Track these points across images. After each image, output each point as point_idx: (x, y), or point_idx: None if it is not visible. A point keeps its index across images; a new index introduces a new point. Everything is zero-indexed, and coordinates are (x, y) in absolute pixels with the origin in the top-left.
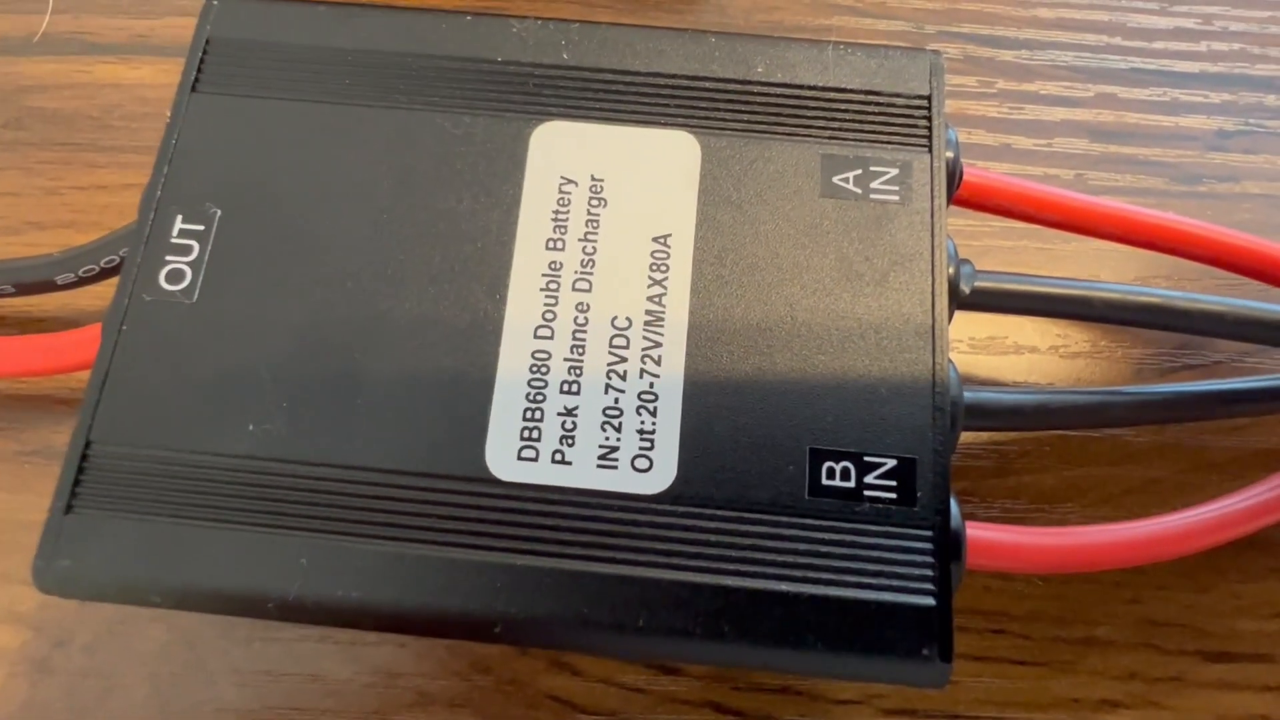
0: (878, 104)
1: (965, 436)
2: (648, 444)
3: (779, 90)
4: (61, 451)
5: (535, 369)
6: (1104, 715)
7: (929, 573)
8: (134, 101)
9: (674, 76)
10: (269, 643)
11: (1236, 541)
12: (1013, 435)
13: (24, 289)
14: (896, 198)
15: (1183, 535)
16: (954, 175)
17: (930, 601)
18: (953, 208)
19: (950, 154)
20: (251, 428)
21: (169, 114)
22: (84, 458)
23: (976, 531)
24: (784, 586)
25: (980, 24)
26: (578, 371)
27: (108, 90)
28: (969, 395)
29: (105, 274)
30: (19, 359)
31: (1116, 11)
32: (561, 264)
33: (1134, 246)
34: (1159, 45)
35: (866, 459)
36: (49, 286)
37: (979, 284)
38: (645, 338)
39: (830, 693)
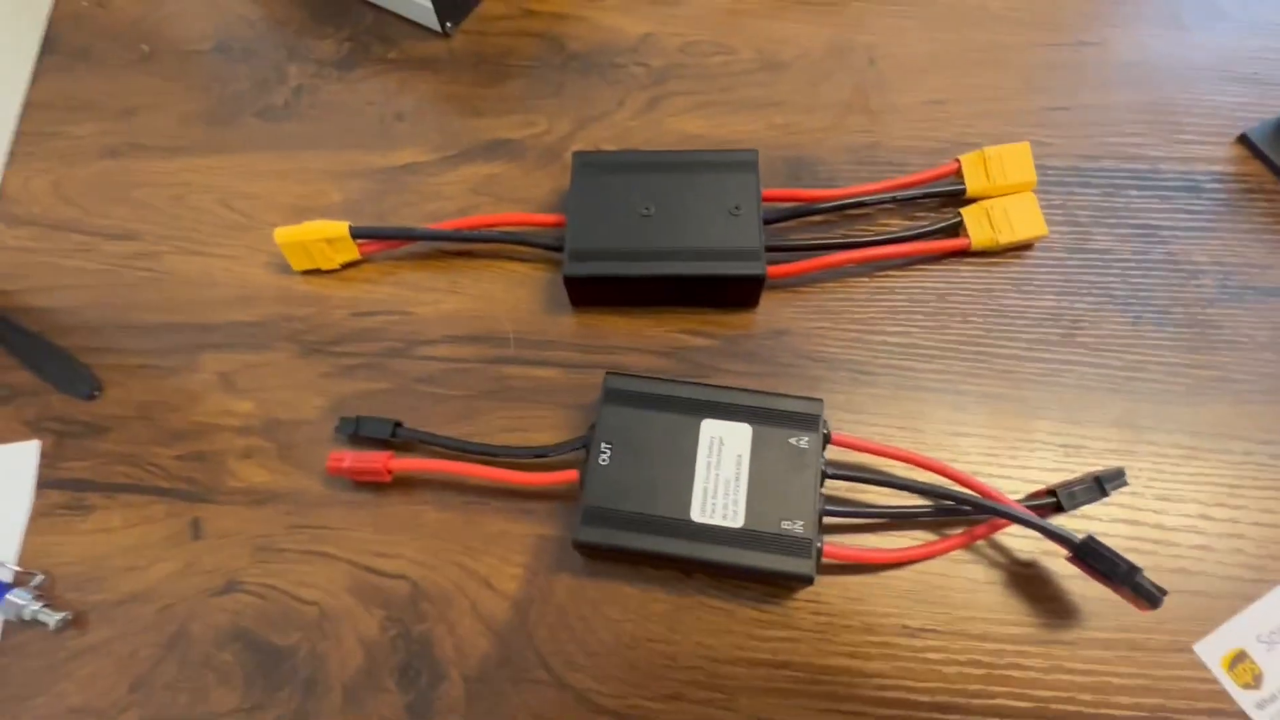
0: (804, 418)
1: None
2: (734, 513)
3: (777, 415)
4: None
5: (704, 490)
6: None
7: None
8: None
9: (740, 406)
10: None
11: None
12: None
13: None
14: (806, 446)
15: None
16: (828, 438)
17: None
18: (833, 446)
19: (826, 432)
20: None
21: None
22: (587, 509)
23: (830, 546)
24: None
25: None
26: (715, 496)
27: None
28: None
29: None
30: (528, 477)
31: None
32: (711, 461)
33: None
34: None
35: (793, 522)
36: None
37: (832, 473)
38: (736, 487)
39: None
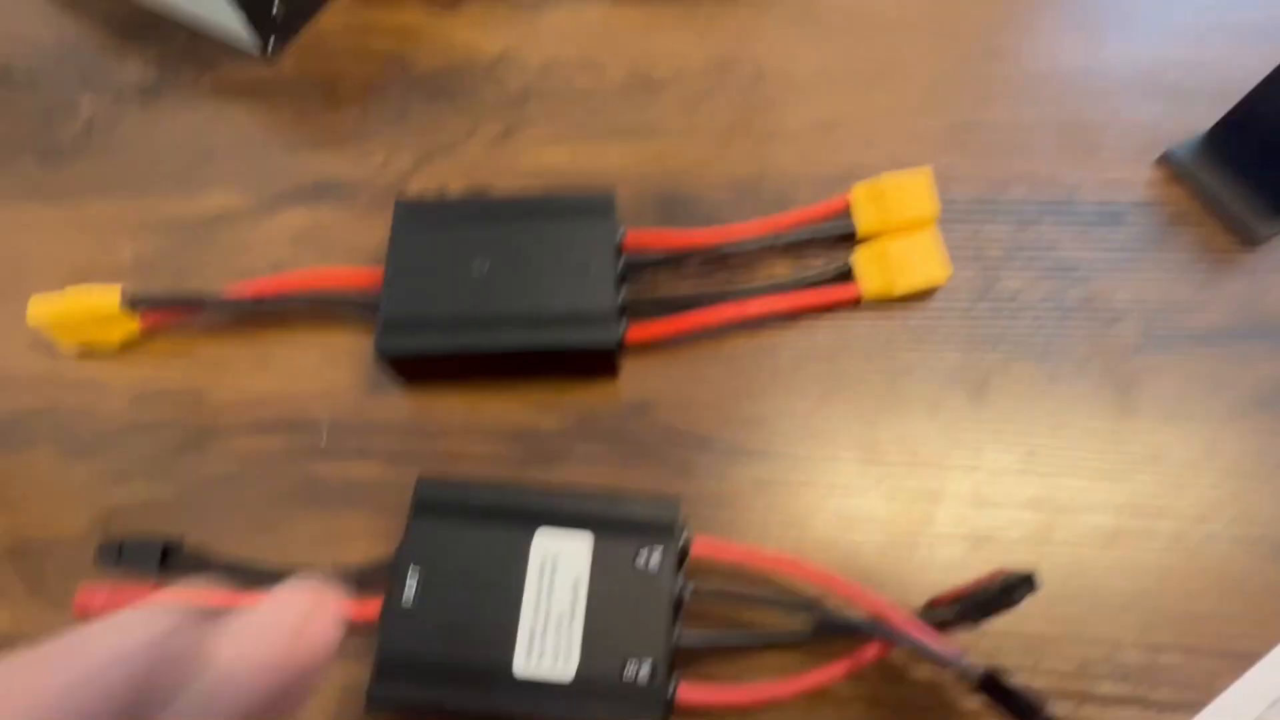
0: (656, 527)
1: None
2: (567, 655)
3: (623, 523)
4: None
5: (531, 630)
6: None
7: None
8: None
9: (580, 513)
10: None
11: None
12: None
13: None
14: (657, 565)
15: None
16: (686, 550)
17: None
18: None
19: (684, 540)
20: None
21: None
22: (383, 657)
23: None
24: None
25: None
26: (544, 636)
27: None
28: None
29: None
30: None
31: None
32: (541, 590)
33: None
34: None
35: (640, 662)
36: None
37: (691, 591)
38: (571, 623)
39: None
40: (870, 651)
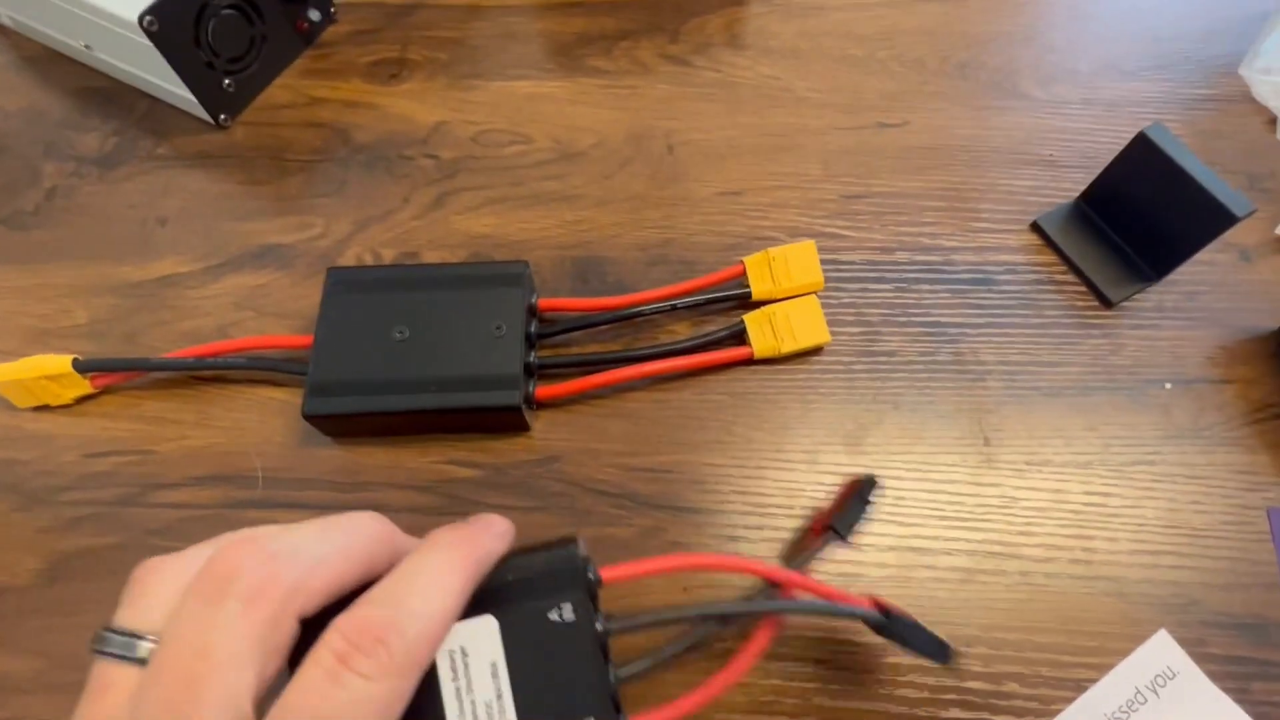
0: (561, 577)
1: None
2: None
3: (526, 585)
4: None
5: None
6: None
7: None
8: None
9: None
10: None
11: None
12: None
13: None
14: (572, 617)
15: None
16: (596, 585)
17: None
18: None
19: (593, 577)
20: None
21: None
22: None
23: None
24: None
25: None
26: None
27: None
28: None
29: None
30: None
31: None
32: (460, 689)
33: None
34: None
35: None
36: None
37: (613, 628)
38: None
39: None
40: (774, 621)
